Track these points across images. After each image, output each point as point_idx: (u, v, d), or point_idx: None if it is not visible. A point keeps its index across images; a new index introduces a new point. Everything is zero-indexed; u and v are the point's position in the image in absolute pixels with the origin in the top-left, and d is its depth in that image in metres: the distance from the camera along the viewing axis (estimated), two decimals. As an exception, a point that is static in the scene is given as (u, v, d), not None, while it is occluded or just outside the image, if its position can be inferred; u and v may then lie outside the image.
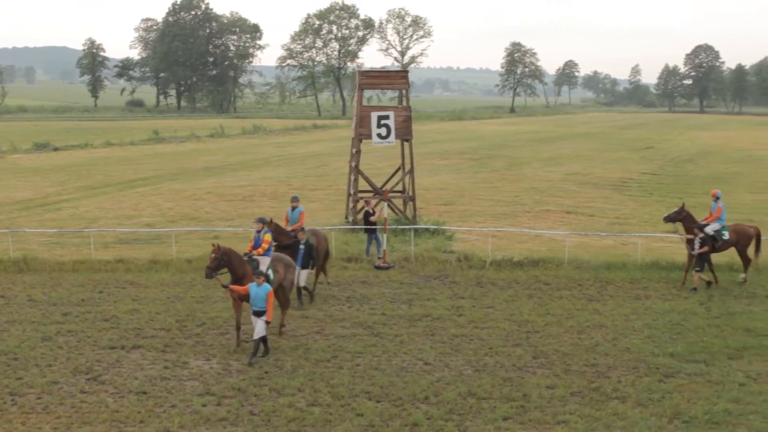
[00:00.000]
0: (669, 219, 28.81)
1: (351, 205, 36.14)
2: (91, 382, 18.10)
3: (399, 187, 37.02)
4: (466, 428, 15.84)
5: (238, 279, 20.57)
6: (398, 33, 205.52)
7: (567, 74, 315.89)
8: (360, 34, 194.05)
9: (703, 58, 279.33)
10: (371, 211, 31.17)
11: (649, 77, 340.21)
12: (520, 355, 20.09)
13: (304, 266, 24.57)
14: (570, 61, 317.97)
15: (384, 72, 40.88)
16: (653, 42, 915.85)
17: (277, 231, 24.40)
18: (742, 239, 28.13)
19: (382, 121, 34.58)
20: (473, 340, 21.23)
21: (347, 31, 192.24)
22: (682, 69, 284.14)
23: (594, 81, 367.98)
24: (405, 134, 35.41)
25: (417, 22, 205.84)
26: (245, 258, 21.33)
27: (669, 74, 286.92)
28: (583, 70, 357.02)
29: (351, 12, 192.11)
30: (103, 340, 21.00)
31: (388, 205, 33.28)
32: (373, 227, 30.90)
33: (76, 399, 17.10)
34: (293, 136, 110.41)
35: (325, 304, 24.56)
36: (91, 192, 49.37)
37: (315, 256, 25.21)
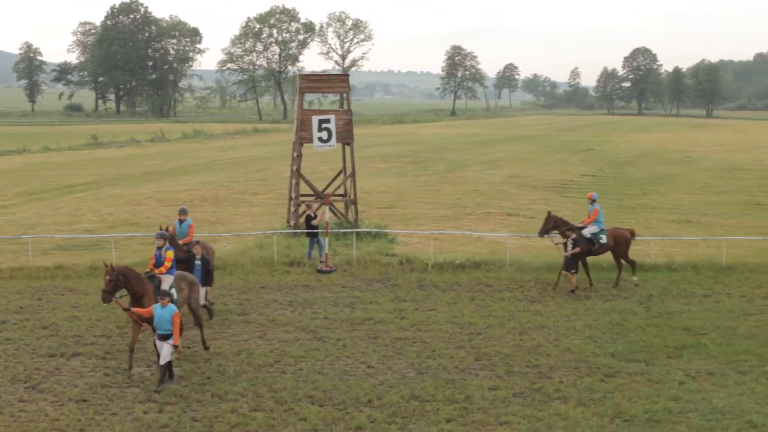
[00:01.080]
0: (543, 233, 28.42)
1: (293, 209, 36.03)
2: (30, 390, 17.84)
3: (341, 191, 37.02)
4: (409, 431, 15.85)
5: (138, 300, 19.23)
6: (339, 37, 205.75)
7: (507, 77, 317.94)
8: (301, 37, 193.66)
9: (641, 61, 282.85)
10: (313, 215, 31.09)
11: (589, 80, 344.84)
12: (463, 357, 20.16)
13: (204, 283, 23.19)
14: (510, 64, 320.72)
15: (325, 76, 40.95)
16: (592, 45, 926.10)
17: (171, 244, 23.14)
18: (620, 243, 28.11)
19: (324, 125, 34.55)
20: (416, 343, 21.27)
21: (288, 35, 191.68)
22: (621, 72, 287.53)
23: (534, 84, 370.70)
24: (346, 138, 35.41)
25: (358, 26, 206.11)
26: (146, 276, 19.87)
27: (608, 77, 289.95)
28: (523, 73, 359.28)
29: (291, 16, 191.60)
30: (42, 348, 20.72)
31: (330, 209, 33.24)
32: (315, 231, 30.82)
33: (14, 408, 16.85)
34: (234, 140, 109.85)
35: (267, 309, 24.45)
36: (29, 198, 48.70)
37: (211, 270, 24.08)
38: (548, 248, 33.20)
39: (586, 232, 27.51)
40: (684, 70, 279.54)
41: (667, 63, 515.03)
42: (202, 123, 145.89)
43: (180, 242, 24.27)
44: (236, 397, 17.40)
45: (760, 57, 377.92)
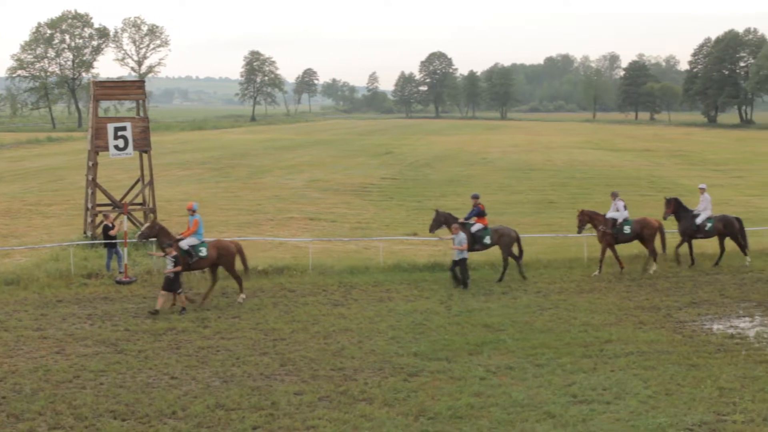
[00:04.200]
0: (143, 236, 26.66)
1: (89, 219, 35.11)
2: None
3: (139, 200, 36.32)
4: (215, 441, 15.67)
5: None
6: (135, 42, 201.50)
7: (306, 82, 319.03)
8: (95, 43, 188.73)
9: (437, 65, 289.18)
10: (110, 224, 30.36)
11: (387, 84, 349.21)
12: (268, 363, 20.05)
13: None
14: (309, 69, 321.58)
15: (120, 82, 40.12)
16: (389, 50, 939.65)
17: None
18: (223, 255, 26.46)
19: (119, 133, 33.81)
20: (220, 351, 21.02)
21: (81, 41, 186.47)
22: (418, 76, 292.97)
23: (333, 88, 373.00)
24: (143, 145, 34.80)
25: (154, 31, 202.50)
26: None
27: (405, 81, 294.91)
28: (322, 78, 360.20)
29: (85, 21, 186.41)
30: None
31: (128, 218, 32.55)
32: (113, 241, 30.12)
33: None
34: (26, 149, 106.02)
35: (65, 323, 23.67)
36: None
37: None
38: (350, 251, 33.54)
39: (184, 244, 25.92)
40: (478, 73, 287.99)
41: (462, 67, 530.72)
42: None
43: None
44: (34, 416, 16.74)
45: (550, 60, 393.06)
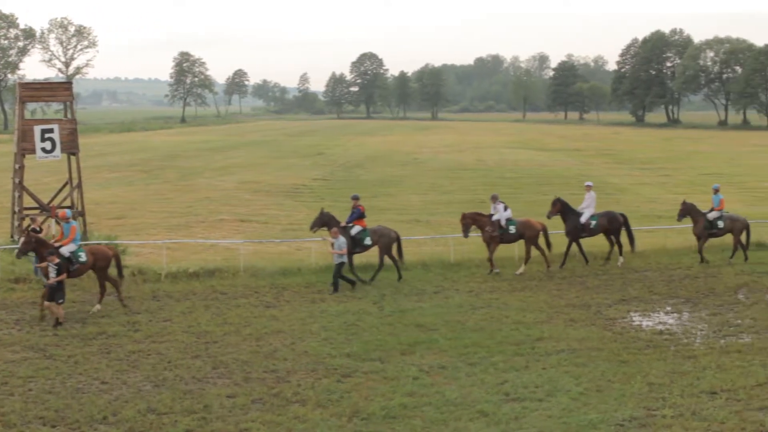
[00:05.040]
0: (22, 252, 25.43)
1: (16, 223, 34.56)
2: None
3: (67, 203, 35.79)
4: (146, 445, 15.50)
5: None
6: (62, 43, 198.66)
7: (237, 83, 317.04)
8: (21, 44, 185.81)
9: (368, 66, 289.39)
10: (38, 228, 29.87)
11: (318, 85, 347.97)
12: (200, 366, 19.88)
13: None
14: (239, 70, 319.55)
15: (47, 84, 39.61)
16: (320, 51, 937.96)
17: None
18: (99, 259, 25.68)
19: (47, 135, 33.34)
20: (151, 355, 20.80)
21: (6, 42, 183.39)
22: (349, 77, 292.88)
23: (264, 89, 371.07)
24: (71, 148, 34.36)
25: (81, 32, 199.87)
26: None
27: (336, 82, 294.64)
28: (253, 79, 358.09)
29: (10, 21, 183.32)
30: None
31: (56, 222, 32.09)
32: (41, 245, 29.59)
33: None
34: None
35: (-8, 329, 23.28)
36: None
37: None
38: (282, 253, 33.45)
39: (65, 251, 24.97)
40: (409, 74, 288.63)
41: (393, 67, 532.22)
42: None
43: None
44: (-40, 423, 16.45)
45: (480, 61, 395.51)
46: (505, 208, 31.20)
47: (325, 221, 28.99)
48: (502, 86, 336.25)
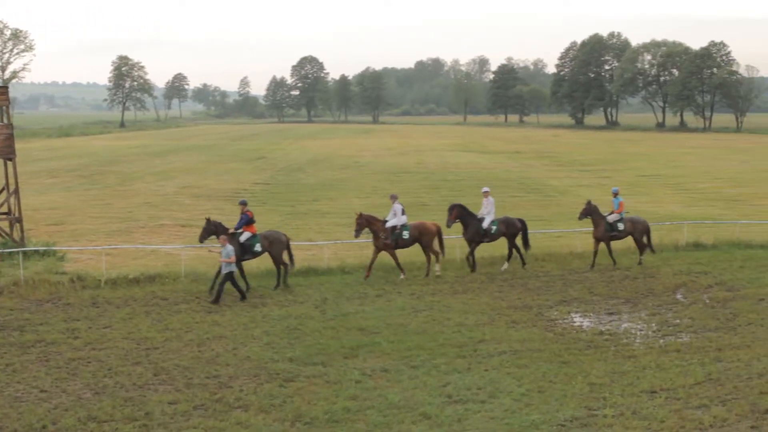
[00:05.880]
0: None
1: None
2: None
3: (4, 209, 35.34)
4: (87, 454, 15.32)
5: None
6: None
7: (177, 87, 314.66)
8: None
9: (309, 70, 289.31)
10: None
11: (258, 89, 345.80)
12: (141, 373, 19.69)
13: None
14: (179, 74, 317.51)
15: (-18, 88, 38.88)
16: (260, 54, 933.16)
17: None
18: None
19: (-18, 140, 32.89)
20: (91, 363, 20.55)
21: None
22: (290, 80, 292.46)
23: (204, 93, 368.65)
24: (7, 153, 33.94)
25: (17, 36, 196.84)
26: None
27: (277, 85, 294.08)
28: (193, 83, 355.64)
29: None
30: None
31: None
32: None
33: None
34: None
35: (-73, 338, 22.86)
36: None
37: None
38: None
39: None
40: (350, 77, 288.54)
41: (334, 71, 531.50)
42: None
43: None
44: None
45: (420, 64, 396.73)
46: (403, 212, 30.92)
47: (212, 230, 28.29)
48: (442, 89, 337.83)
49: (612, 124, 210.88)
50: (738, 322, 23.99)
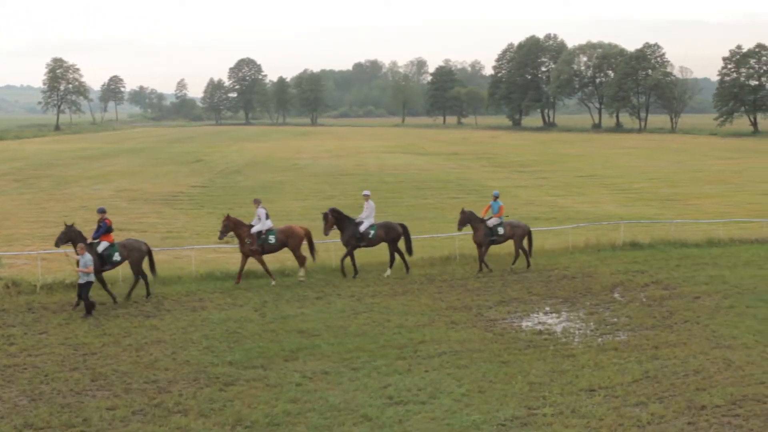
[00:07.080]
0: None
1: None
2: None
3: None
4: (23, 462, 15.10)
5: None
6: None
7: (113, 90, 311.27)
8: None
9: (246, 72, 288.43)
10: None
11: (196, 91, 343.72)
12: (78, 379, 19.44)
13: None
14: (115, 76, 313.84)
15: None
16: (198, 56, 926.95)
17: None
18: None
19: None
20: (27, 369, 20.23)
21: None
22: (227, 83, 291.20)
23: (140, 96, 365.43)
24: (-61, 157, 33.32)
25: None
26: None
27: (214, 88, 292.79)
28: (129, 86, 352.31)
29: None
30: None
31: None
32: None
33: None
34: None
35: None
36: None
37: None
38: (161, 262, 32.83)
39: None
40: (288, 79, 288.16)
41: (271, 73, 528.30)
42: None
43: None
44: None
45: (358, 66, 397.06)
46: (267, 216, 30.59)
47: (70, 237, 27.32)
48: (381, 91, 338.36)
49: (549, 126, 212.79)
50: (674, 320, 24.32)
